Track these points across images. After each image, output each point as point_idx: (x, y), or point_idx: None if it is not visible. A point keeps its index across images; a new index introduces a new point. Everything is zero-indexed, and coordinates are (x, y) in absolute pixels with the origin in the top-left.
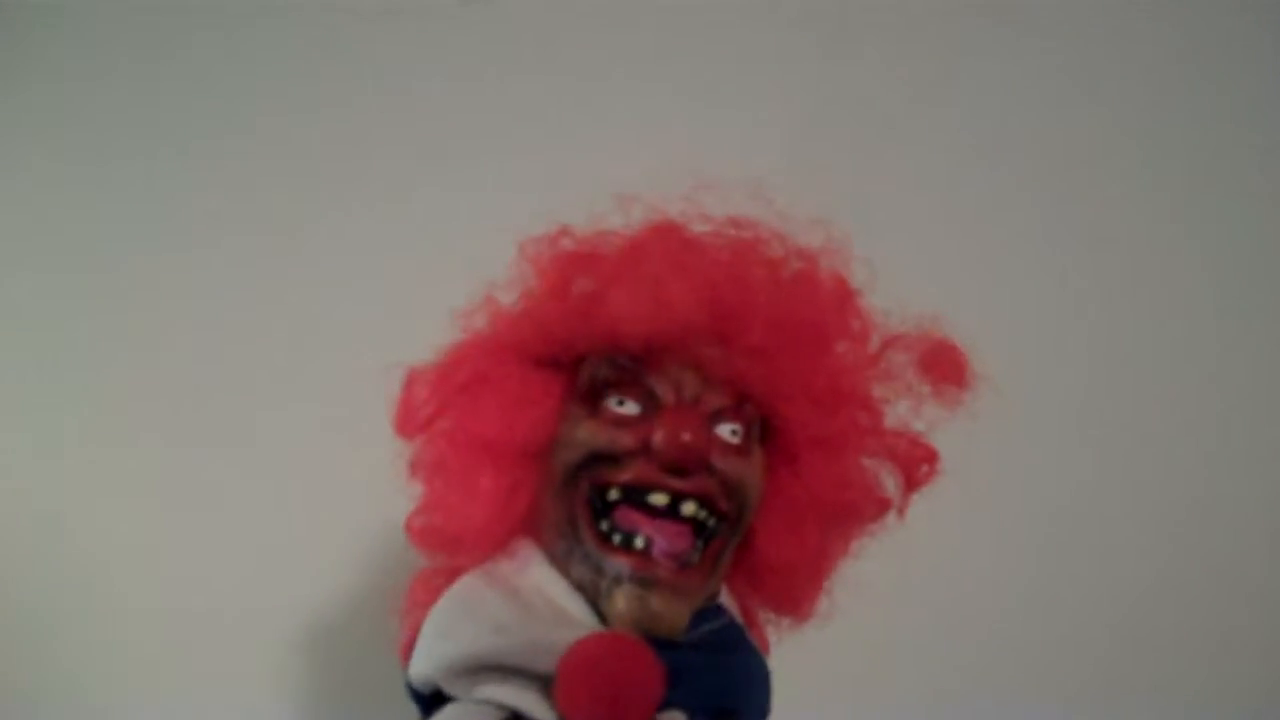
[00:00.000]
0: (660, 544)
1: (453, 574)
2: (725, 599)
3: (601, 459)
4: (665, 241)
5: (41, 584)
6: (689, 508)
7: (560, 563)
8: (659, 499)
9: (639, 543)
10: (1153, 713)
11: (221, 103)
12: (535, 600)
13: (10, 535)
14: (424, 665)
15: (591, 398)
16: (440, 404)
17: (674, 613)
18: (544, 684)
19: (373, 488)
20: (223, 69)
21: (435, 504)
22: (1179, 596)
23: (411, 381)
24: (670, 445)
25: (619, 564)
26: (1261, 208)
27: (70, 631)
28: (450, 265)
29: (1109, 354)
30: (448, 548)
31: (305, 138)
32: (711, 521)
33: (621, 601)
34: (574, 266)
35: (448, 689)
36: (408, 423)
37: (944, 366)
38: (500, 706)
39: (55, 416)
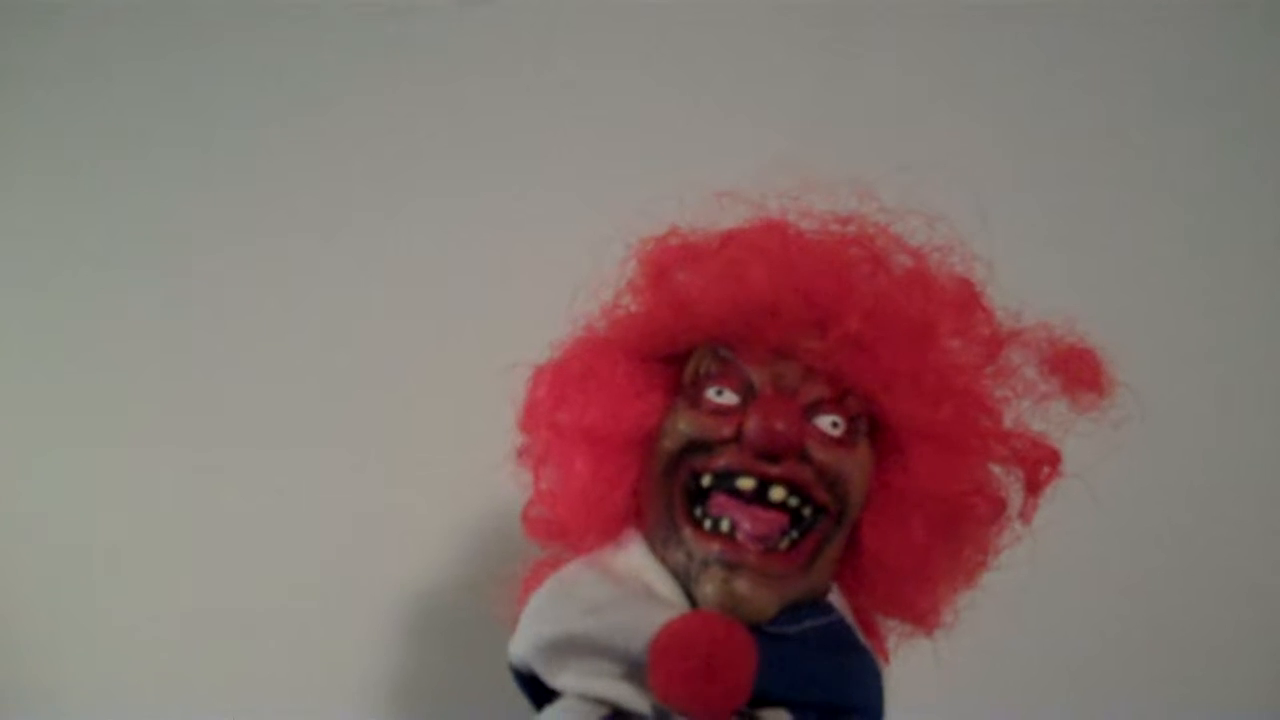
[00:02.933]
0: (745, 527)
1: (563, 564)
2: (837, 600)
3: (699, 447)
4: (757, 231)
5: (132, 574)
6: (777, 493)
7: (659, 549)
8: (746, 483)
9: (725, 526)
10: None
11: (219, 103)
12: (630, 583)
13: (95, 529)
14: (519, 645)
15: (694, 390)
16: (556, 399)
17: (759, 596)
18: (633, 666)
19: (485, 477)
20: (221, 69)
21: (544, 494)
22: None
23: (535, 378)
24: (760, 432)
25: (707, 548)
26: None
27: (168, 631)
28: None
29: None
30: (557, 537)
31: (302, 137)
32: (807, 510)
33: (708, 584)
34: (672, 259)
35: (538, 668)
36: (530, 418)
37: (1079, 370)
38: (599, 701)
39: (160, 409)
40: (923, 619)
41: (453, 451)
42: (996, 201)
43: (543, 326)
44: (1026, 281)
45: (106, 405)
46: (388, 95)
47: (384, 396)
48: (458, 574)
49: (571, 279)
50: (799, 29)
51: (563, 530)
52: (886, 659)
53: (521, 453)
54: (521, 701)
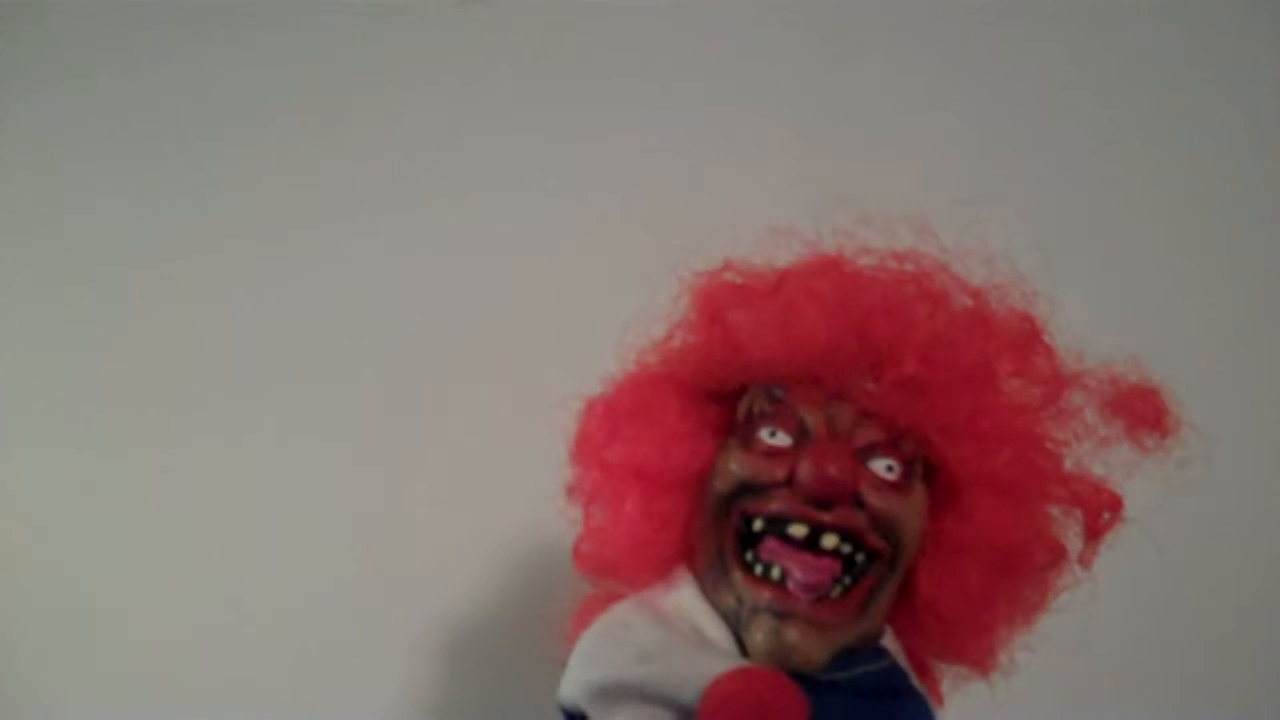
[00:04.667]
0: (796, 576)
1: (614, 600)
2: (890, 643)
3: (750, 490)
4: (812, 270)
5: (155, 589)
6: (830, 540)
7: (710, 592)
8: (798, 530)
9: (775, 574)
10: None
11: (219, 103)
12: (681, 627)
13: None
14: (570, 688)
15: (746, 430)
16: (607, 435)
17: (809, 646)
18: (684, 716)
19: (533, 508)
20: (221, 70)
21: (595, 531)
22: None
23: (587, 412)
24: (813, 478)
25: (758, 595)
26: None
27: (190, 650)
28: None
29: None
30: (608, 574)
31: (302, 138)
32: (860, 557)
33: (758, 633)
34: (726, 298)
35: (589, 712)
36: (581, 452)
37: (1142, 410)
38: None
39: (195, 415)
40: (978, 662)
41: (503, 483)
42: (1058, 238)
43: (592, 358)
44: (1089, 320)
45: (137, 406)
46: (387, 94)
47: (430, 424)
48: (505, 607)
49: (621, 308)
50: (850, 59)
51: (613, 567)
52: (940, 701)
53: (572, 489)
54: None
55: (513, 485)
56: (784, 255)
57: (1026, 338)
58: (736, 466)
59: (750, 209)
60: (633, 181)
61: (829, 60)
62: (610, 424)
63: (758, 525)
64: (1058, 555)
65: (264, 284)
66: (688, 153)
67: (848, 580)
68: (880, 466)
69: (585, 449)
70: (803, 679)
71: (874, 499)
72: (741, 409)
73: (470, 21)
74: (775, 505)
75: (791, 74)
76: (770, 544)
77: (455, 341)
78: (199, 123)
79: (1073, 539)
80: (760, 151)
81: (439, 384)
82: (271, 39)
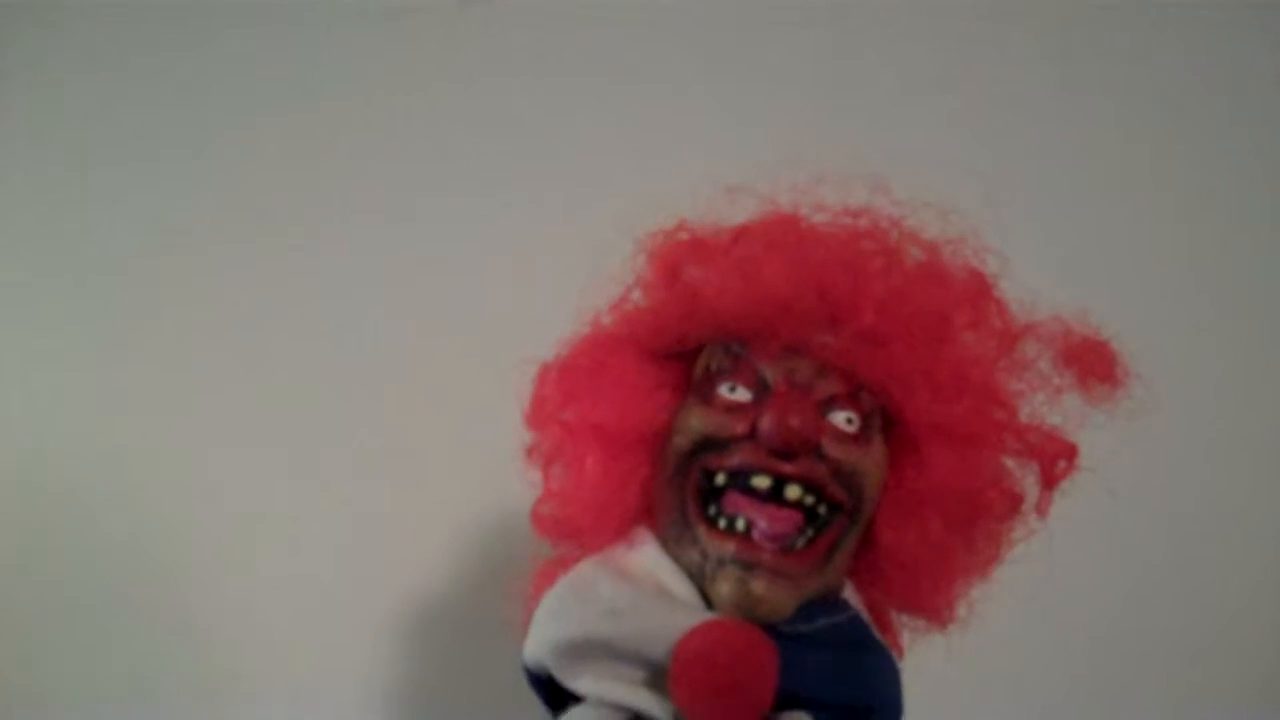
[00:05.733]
0: (761, 526)
1: (573, 562)
2: (851, 596)
3: (711, 445)
4: (769, 226)
5: (146, 567)
6: (793, 492)
7: (672, 548)
8: (761, 482)
9: (740, 525)
10: None
11: (219, 103)
12: (645, 583)
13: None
14: (535, 648)
15: (706, 386)
16: (564, 396)
17: (775, 597)
18: (653, 672)
19: (492, 476)
20: (221, 69)
21: (555, 492)
22: None
23: (542, 376)
24: (775, 429)
25: (723, 547)
26: None
27: (173, 618)
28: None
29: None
30: (568, 536)
31: (302, 138)
32: (822, 509)
33: (723, 584)
34: (683, 255)
35: (555, 670)
36: (537, 415)
37: (1092, 363)
38: (618, 707)
39: (193, 402)
40: (937, 615)
41: (459, 449)
42: (1007, 194)
43: (549, 323)
44: (1039, 274)
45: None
46: (388, 95)
47: (387, 395)
48: (464, 574)
49: (578, 276)
50: (802, 23)
51: (573, 529)
52: (901, 654)
53: (531, 450)
54: (529, 704)
55: (473, 453)
56: (739, 214)
57: (978, 292)
58: (697, 422)
59: (705, 171)
60: (597, 152)
61: (830, 45)
62: (567, 385)
63: (720, 479)
64: (1015, 503)
65: (254, 277)
66: (650, 123)
67: (811, 532)
68: (840, 419)
69: (542, 411)
70: (768, 631)
71: (835, 450)
72: (699, 366)
73: (471, 21)
74: (737, 458)
75: (789, 64)
76: (733, 497)
77: (415, 311)
78: (199, 123)
79: (1029, 489)
80: (718, 116)
81: (397, 357)
82: (272, 39)
